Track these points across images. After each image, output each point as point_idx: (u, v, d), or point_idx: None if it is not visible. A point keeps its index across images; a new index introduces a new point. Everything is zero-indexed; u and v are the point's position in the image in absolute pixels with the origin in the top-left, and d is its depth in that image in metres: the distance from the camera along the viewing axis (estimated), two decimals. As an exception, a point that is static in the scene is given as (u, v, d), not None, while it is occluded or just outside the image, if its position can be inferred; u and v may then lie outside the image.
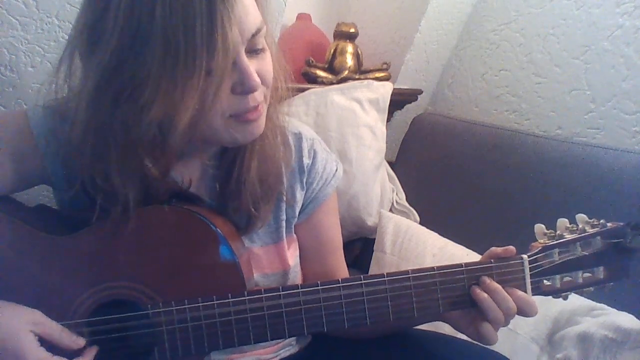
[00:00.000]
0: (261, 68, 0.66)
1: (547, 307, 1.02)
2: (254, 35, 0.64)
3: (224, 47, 0.59)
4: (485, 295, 0.70)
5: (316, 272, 0.88)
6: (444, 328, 0.82)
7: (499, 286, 0.70)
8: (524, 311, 0.71)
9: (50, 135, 0.72)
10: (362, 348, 0.86)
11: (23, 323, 0.62)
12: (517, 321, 1.01)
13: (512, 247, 0.73)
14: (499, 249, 0.74)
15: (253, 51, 0.66)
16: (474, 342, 0.83)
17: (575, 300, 1.01)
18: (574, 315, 1.00)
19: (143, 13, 0.57)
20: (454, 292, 0.71)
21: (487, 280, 0.71)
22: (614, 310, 0.98)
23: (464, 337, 0.86)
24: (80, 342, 0.66)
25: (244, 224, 0.77)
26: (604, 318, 0.96)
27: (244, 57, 0.63)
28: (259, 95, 0.67)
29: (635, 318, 0.94)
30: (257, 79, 0.64)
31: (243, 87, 0.64)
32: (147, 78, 0.58)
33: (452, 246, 1.24)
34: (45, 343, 0.63)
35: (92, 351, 0.67)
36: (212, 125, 0.65)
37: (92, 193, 0.67)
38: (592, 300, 1.01)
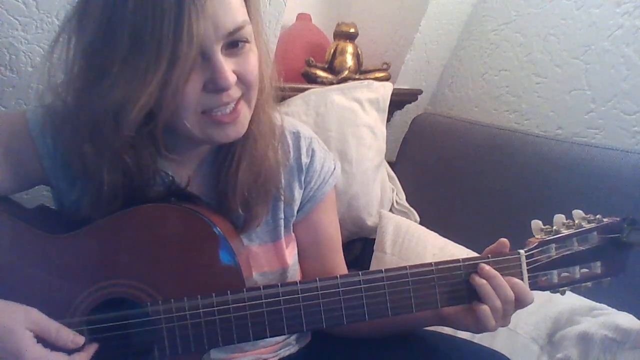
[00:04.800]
0: (240, 67, 0.66)
1: (547, 307, 1.02)
2: (232, 33, 0.63)
3: (189, 38, 0.59)
4: (484, 281, 0.70)
5: (315, 271, 0.88)
6: (444, 328, 0.81)
7: (497, 272, 0.71)
8: (520, 299, 0.71)
9: (47, 135, 0.72)
10: (362, 348, 0.86)
11: (20, 321, 0.62)
12: (517, 321, 1.02)
13: (504, 240, 0.74)
14: (491, 246, 0.75)
15: (233, 49, 0.65)
16: (474, 341, 0.83)
17: (575, 300, 1.01)
18: (574, 315, 1.00)
19: (118, 1, 0.59)
20: (452, 287, 0.72)
21: (486, 267, 0.71)
22: (614, 310, 0.98)
23: (464, 336, 0.86)
24: (79, 340, 0.65)
25: (241, 223, 0.78)
26: (604, 318, 0.96)
27: (218, 55, 0.63)
28: (234, 93, 0.66)
29: (635, 318, 0.94)
30: (230, 78, 0.64)
31: (214, 85, 0.64)
32: (114, 62, 0.60)
33: (452, 246, 1.24)
34: (43, 341, 0.63)
35: (92, 348, 0.66)
36: (185, 121, 0.65)
37: (74, 172, 0.69)
38: (592, 300, 1.01)
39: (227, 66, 0.64)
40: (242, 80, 0.67)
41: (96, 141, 0.65)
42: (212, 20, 0.61)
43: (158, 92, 0.61)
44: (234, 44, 0.65)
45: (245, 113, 0.70)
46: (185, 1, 0.58)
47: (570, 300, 1.01)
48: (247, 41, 0.66)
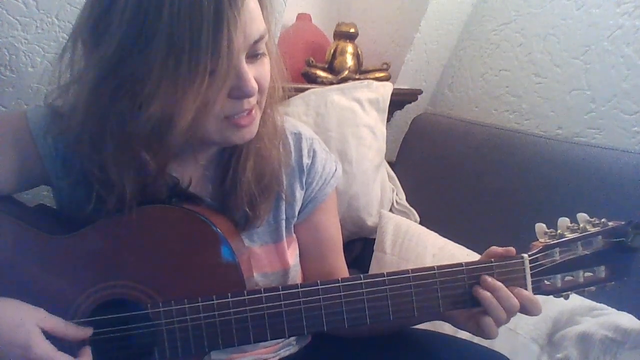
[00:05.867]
0: (259, 74, 0.67)
1: (547, 307, 1.02)
2: (257, 41, 0.64)
3: (229, 52, 0.59)
4: (488, 293, 0.69)
5: (316, 272, 0.88)
6: (444, 328, 0.82)
7: (501, 284, 0.70)
8: (528, 310, 0.70)
9: (49, 134, 0.72)
10: (362, 348, 0.86)
11: (29, 317, 0.63)
12: (517, 321, 1.02)
13: (512, 248, 0.73)
14: (499, 249, 0.74)
15: (253, 56, 0.66)
16: (474, 342, 0.83)
17: (575, 300, 1.01)
18: (574, 315, 1.00)
19: (150, 11, 0.57)
20: (455, 291, 0.71)
21: (489, 278, 0.70)
22: (614, 310, 0.98)
23: (464, 336, 0.86)
24: (87, 331, 0.67)
25: (243, 223, 0.78)
26: (604, 318, 0.96)
27: (244, 63, 0.64)
28: (253, 100, 0.67)
29: (635, 318, 0.94)
30: (255, 85, 0.65)
31: (240, 92, 0.64)
32: (149, 76, 0.59)
33: (452, 246, 1.24)
34: (50, 339, 0.64)
35: (87, 351, 0.67)
36: (207, 126, 0.66)
37: (91, 181, 0.68)
38: (592, 300, 1.01)
39: (251, 73, 0.64)
40: (258, 85, 0.67)
41: (127, 152, 0.65)
42: (242, 30, 0.61)
43: (198, 102, 0.60)
44: (255, 51, 0.65)
45: (257, 115, 0.71)
46: (224, 12, 0.58)
47: (571, 300, 0.99)
48: (264, 48, 0.67)
